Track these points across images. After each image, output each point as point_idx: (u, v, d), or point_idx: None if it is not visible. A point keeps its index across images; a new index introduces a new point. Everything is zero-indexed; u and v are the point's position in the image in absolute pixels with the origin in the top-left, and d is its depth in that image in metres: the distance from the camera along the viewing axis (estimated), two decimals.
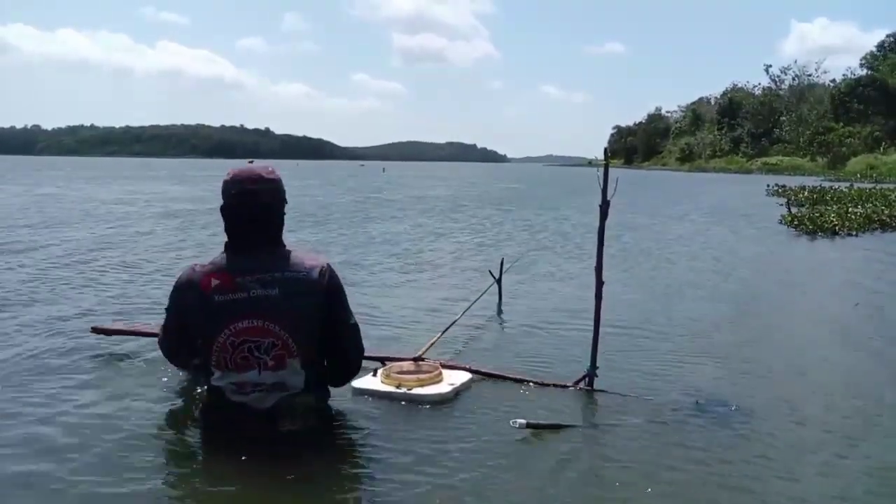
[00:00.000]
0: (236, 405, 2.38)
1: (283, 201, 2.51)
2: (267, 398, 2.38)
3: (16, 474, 2.26)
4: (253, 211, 2.42)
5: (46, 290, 5.46)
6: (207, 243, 8.63)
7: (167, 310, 2.57)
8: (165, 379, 3.23)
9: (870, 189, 20.87)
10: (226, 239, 2.50)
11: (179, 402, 2.96)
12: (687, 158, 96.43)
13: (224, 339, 2.34)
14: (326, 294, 2.43)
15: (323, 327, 2.44)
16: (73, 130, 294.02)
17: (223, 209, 2.48)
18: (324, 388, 2.57)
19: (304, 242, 8.89)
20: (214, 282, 2.36)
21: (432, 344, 3.61)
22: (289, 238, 2.55)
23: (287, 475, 2.25)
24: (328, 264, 2.50)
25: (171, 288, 2.52)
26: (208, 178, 34.25)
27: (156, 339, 3.74)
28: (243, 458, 2.32)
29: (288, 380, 2.39)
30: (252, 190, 2.42)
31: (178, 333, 2.53)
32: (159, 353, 3.61)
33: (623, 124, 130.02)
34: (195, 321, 2.40)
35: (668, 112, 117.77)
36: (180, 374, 3.21)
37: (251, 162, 2.56)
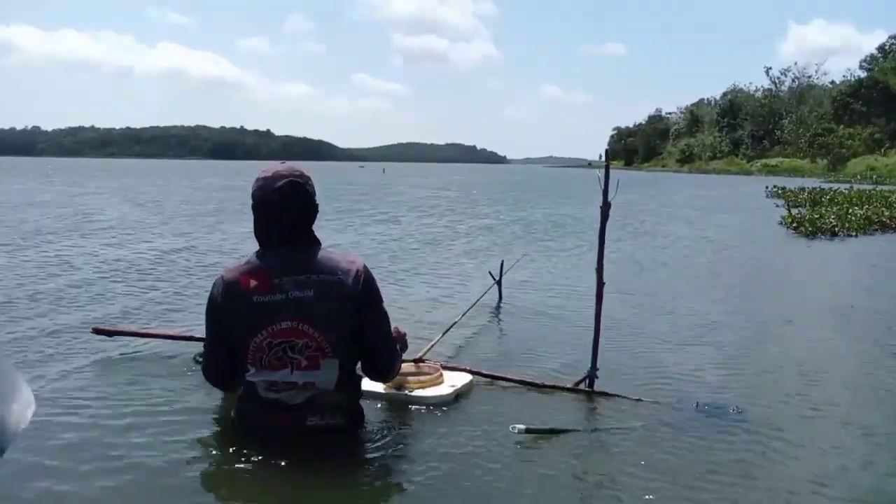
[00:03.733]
0: (267, 401, 2.39)
1: (314, 201, 2.49)
2: (298, 395, 2.39)
3: (16, 475, 2.25)
4: (284, 211, 2.41)
5: (49, 290, 5.47)
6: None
7: (208, 327, 2.50)
8: (166, 380, 3.24)
9: (870, 191, 20.88)
10: (256, 238, 2.49)
11: (181, 402, 2.96)
12: (687, 160, 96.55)
13: (261, 340, 2.35)
14: (361, 298, 2.42)
15: (356, 329, 2.44)
16: (72, 132, 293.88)
17: (254, 209, 2.47)
18: (356, 388, 2.56)
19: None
20: (252, 282, 2.36)
21: (433, 345, 3.61)
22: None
23: (293, 471, 2.26)
24: (364, 266, 2.48)
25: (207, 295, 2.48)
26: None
27: (156, 340, 3.78)
28: (265, 450, 2.35)
29: (319, 379, 2.39)
30: (282, 190, 2.41)
31: (225, 347, 2.46)
32: (160, 352, 3.66)
33: (623, 125, 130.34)
34: (235, 322, 2.38)
35: (668, 113, 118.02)
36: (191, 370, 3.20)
37: (283, 163, 2.56)
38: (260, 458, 2.35)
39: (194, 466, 2.36)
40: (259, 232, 2.49)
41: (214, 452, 2.45)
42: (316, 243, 2.47)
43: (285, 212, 2.42)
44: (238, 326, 2.38)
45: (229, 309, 2.39)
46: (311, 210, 2.48)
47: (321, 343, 2.36)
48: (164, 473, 2.30)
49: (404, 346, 3.00)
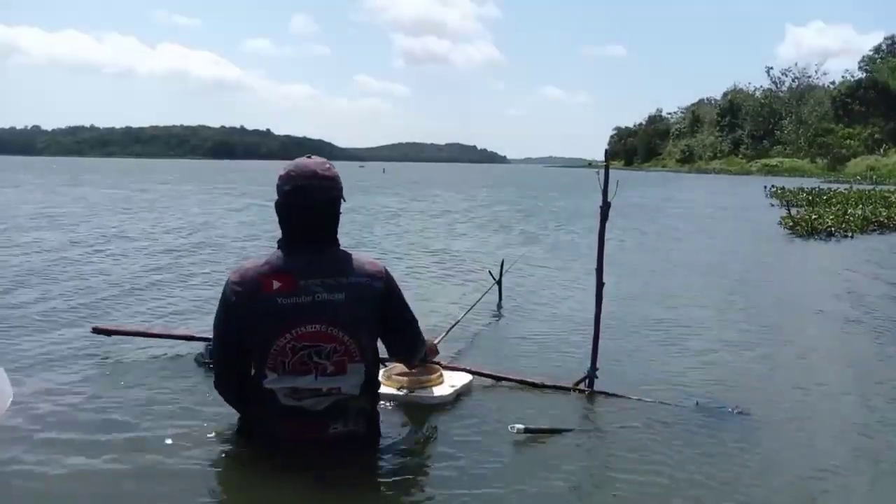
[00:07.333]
0: (286, 408, 2.30)
1: (340, 199, 2.41)
2: (321, 402, 2.31)
3: (16, 474, 2.26)
4: (308, 209, 2.33)
5: (50, 289, 5.46)
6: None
7: (221, 332, 2.36)
8: (164, 379, 3.23)
9: (869, 191, 20.89)
10: (280, 236, 2.40)
11: (180, 403, 2.95)
12: (687, 160, 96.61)
13: (285, 343, 2.26)
14: (388, 300, 2.41)
15: (385, 329, 2.45)
16: (72, 131, 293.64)
17: (277, 206, 2.39)
18: (377, 392, 2.52)
19: None
20: (276, 284, 2.26)
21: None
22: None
23: (301, 477, 2.25)
24: (386, 270, 2.45)
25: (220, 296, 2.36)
26: None
27: (155, 339, 3.75)
28: (277, 458, 2.31)
29: (345, 384, 2.32)
30: (307, 186, 2.33)
31: (238, 351, 2.35)
32: (159, 351, 3.66)
33: (623, 126, 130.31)
34: (255, 325, 2.27)
35: (668, 114, 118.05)
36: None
37: (310, 157, 2.44)
38: (272, 467, 2.30)
39: (200, 474, 2.32)
40: (282, 230, 2.41)
41: (220, 459, 2.41)
42: (336, 245, 2.41)
43: (299, 215, 2.34)
44: (259, 329, 2.27)
45: (249, 311, 2.26)
46: (328, 212, 2.38)
47: (350, 347, 2.30)
48: (164, 478, 2.28)
49: (434, 352, 3.18)
